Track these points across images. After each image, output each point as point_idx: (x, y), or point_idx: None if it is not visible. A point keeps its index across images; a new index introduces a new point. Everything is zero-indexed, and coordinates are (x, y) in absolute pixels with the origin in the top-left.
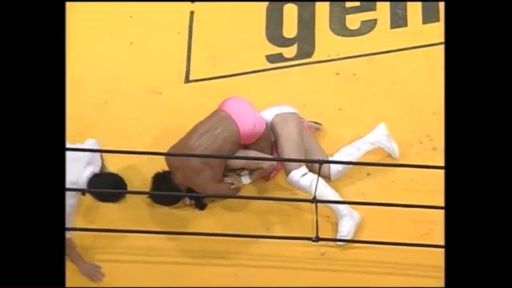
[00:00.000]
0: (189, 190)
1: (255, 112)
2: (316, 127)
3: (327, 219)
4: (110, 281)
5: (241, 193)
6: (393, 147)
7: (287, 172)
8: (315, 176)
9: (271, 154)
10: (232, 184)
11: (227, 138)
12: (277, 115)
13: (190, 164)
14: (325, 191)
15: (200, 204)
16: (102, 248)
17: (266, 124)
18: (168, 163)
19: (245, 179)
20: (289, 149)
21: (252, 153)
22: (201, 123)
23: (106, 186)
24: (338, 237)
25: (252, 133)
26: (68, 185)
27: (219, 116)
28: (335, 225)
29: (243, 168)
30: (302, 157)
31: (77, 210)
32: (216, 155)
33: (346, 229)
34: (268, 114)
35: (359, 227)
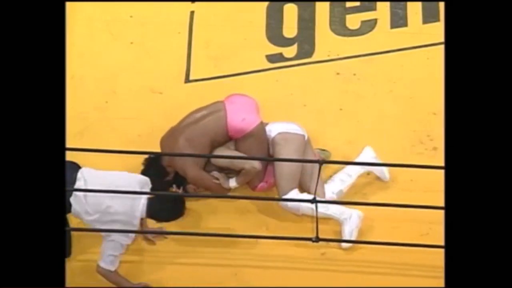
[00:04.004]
0: (176, 175)
1: (253, 109)
2: (323, 156)
3: (327, 219)
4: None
5: (241, 194)
6: (383, 170)
7: (278, 195)
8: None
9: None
10: (216, 178)
11: (215, 126)
12: (280, 133)
13: (175, 145)
14: (327, 212)
15: (184, 187)
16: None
17: (262, 125)
18: (160, 144)
19: (232, 182)
20: (282, 175)
21: (237, 154)
22: (199, 108)
23: (168, 206)
24: (343, 245)
25: (240, 127)
26: (121, 215)
27: (215, 105)
28: (335, 225)
29: (228, 169)
30: (295, 183)
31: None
32: (205, 155)
33: (348, 233)
34: (273, 129)
35: (361, 227)
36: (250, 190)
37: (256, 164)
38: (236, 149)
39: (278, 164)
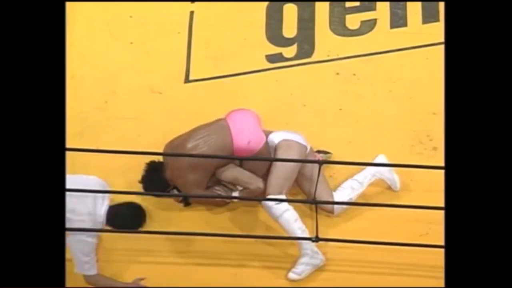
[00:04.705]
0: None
1: (257, 128)
2: (325, 158)
3: (327, 219)
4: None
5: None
6: (395, 179)
7: (266, 193)
8: (288, 207)
9: (267, 175)
10: (219, 191)
11: (220, 148)
12: (284, 140)
13: (178, 164)
14: (293, 224)
15: (185, 200)
16: (103, 249)
17: (267, 144)
18: (163, 158)
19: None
20: (276, 175)
21: (242, 171)
22: (201, 127)
23: (127, 214)
24: (290, 274)
25: (246, 149)
26: (86, 216)
27: (218, 124)
28: (335, 225)
29: (232, 184)
30: (287, 185)
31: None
32: (211, 155)
33: (300, 268)
34: (277, 137)
35: (318, 268)
36: None
37: (261, 184)
38: (241, 166)
39: (275, 165)
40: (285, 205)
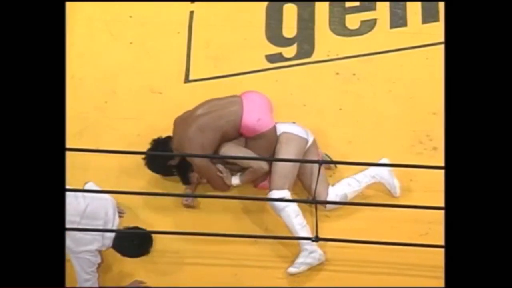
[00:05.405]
0: (181, 161)
1: (268, 111)
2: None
3: (327, 219)
4: (110, 281)
5: (241, 194)
6: (395, 184)
7: (269, 190)
8: (291, 204)
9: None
10: (221, 172)
11: (229, 120)
12: (284, 132)
13: (186, 132)
14: (294, 219)
15: (184, 178)
16: (102, 251)
17: (275, 129)
18: (173, 125)
19: (235, 180)
20: (278, 171)
21: (246, 151)
22: (214, 99)
23: (133, 241)
24: (290, 269)
25: (254, 127)
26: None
27: (232, 99)
28: (335, 225)
29: (235, 164)
30: (289, 181)
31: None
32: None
33: (298, 264)
34: (279, 129)
35: (318, 268)
36: (250, 190)
37: (264, 165)
38: (246, 147)
39: (276, 162)
40: (286, 207)
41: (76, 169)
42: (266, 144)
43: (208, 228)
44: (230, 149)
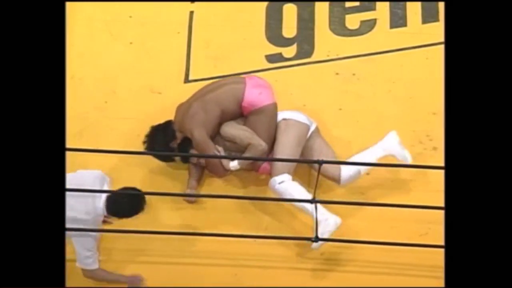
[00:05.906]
0: (182, 141)
1: (269, 91)
2: None
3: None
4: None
5: (241, 194)
6: (405, 155)
7: (270, 176)
8: (292, 183)
9: (270, 145)
10: (218, 151)
11: (231, 95)
12: (284, 119)
13: (188, 109)
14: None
15: (184, 151)
16: (103, 249)
17: (275, 107)
18: (176, 109)
19: (234, 164)
20: (277, 155)
21: (247, 130)
22: (221, 79)
23: (127, 202)
24: (313, 245)
25: (255, 100)
26: (84, 214)
27: (235, 77)
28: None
29: (235, 143)
30: (288, 167)
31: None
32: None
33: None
34: (279, 116)
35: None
36: (250, 190)
37: (263, 142)
38: (246, 124)
39: (276, 145)
40: (287, 182)
41: (76, 168)
42: (265, 121)
43: (208, 228)
44: (231, 128)
